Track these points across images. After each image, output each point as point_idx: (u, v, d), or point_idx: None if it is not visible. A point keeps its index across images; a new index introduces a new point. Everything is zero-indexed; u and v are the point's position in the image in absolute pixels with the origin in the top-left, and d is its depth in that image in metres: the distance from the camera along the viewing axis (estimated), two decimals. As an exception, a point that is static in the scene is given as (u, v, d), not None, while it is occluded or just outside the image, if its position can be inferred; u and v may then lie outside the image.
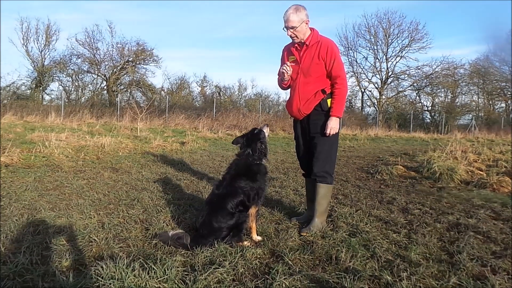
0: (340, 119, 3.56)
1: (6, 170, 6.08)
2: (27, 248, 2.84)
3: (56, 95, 31.95)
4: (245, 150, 3.36)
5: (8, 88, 28.93)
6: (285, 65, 3.57)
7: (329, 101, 3.53)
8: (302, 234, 3.44)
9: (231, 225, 3.06)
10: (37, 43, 31.67)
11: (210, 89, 38.90)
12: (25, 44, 31.39)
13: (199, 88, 38.68)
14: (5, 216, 3.68)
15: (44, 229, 3.31)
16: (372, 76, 36.83)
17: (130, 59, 33.22)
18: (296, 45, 3.56)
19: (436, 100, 37.92)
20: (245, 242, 3.11)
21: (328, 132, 3.48)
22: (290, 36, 3.49)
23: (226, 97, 37.96)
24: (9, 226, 3.32)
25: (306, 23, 3.44)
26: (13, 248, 2.87)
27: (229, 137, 15.35)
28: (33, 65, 31.53)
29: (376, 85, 36.74)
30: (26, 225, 3.38)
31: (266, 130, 3.49)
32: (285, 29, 3.45)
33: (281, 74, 3.66)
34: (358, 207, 4.49)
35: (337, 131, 3.54)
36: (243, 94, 39.26)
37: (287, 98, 3.83)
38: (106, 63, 32.76)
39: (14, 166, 6.45)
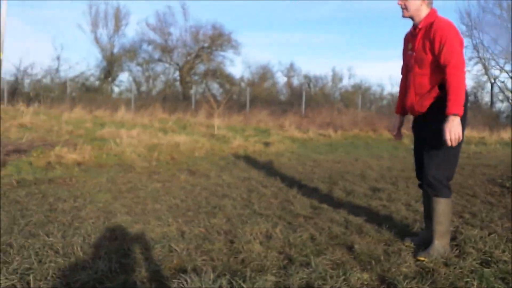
0: (463, 117, 3.36)
1: (79, 168, 6.78)
2: (105, 254, 3.16)
3: (126, 86, 34.60)
4: None
5: (77, 79, 31.92)
6: None
7: None
8: (419, 259, 3.34)
9: None
10: (106, 29, 34.62)
11: (298, 79, 39.15)
12: (94, 30, 34.51)
13: (285, 79, 39.19)
14: (81, 218, 4.13)
15: (121, 235, 3.65)
16: (505, 62, 33.99)
17: (205, 45, 34.79)
18: (412, 29, 3.53)
19: None
20: None
21: (447, 137, 3.29)
22: (400, 7, 3.46)
23: (317, 89, 37.93)
24: (86, 229, 3.72)
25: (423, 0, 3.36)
26: (91, 253, 3.22)
27: (321, 137, 15.31)
28: (101, 53, 34.56)
29: (510, 74, 33.99)
30: (102, 230, 3.75)
31: None
32: None
33: None
34: (492, 229, 4.22)
35: (460, 135, 3.33)
36: (338, 86, 38.88)
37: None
38: (179, 50, 34.69)
39: (86, 164, 7.17)
